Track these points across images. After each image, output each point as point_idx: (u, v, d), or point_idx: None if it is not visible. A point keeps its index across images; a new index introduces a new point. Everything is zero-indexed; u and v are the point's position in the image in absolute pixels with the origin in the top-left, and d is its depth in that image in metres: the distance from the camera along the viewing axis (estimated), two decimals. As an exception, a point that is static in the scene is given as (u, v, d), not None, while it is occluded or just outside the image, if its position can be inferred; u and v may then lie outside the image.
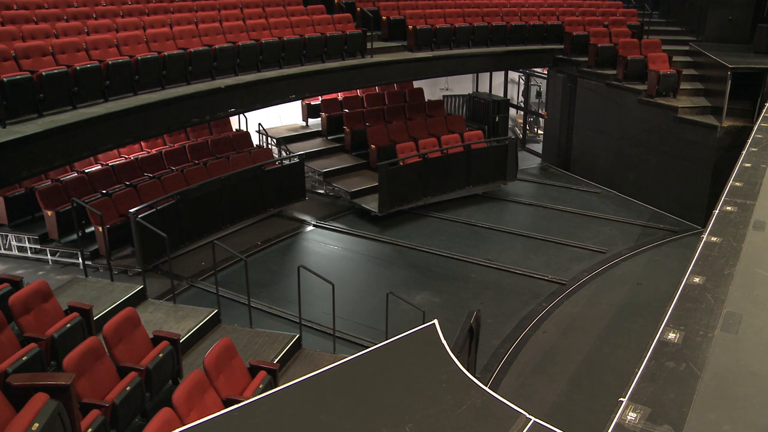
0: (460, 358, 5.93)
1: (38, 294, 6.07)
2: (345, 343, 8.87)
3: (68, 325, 5.77)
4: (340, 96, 16.50)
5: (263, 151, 13.87)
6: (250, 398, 5.58)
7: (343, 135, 15.66)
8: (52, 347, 5.60)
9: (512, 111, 20.17)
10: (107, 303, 7.32)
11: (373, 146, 14.45)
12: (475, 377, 6.63)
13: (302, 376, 3.34)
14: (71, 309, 6.13)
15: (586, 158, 15.85)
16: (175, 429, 4.88)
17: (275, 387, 5.89)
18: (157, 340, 6.11)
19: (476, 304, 9.84)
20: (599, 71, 14.99)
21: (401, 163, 13.21)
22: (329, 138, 16.07)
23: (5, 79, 7.57)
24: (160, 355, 5.80)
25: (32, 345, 5.25)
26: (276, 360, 6.96)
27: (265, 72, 11.51)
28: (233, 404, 5.38)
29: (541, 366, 8.39)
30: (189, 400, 5.00)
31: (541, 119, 19.24)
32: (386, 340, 3.95)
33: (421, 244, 11.95)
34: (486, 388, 3.25)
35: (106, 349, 5.61)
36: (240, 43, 11.13)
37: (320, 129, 16.30)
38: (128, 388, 5.18)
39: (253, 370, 6.04)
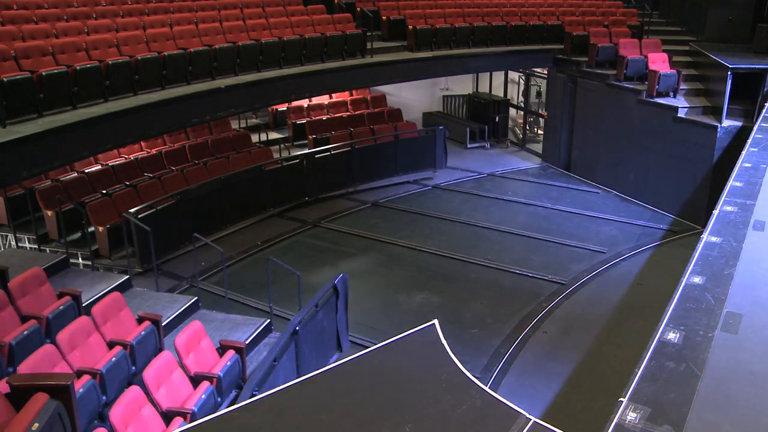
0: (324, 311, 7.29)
1: (36, 279, 7.13)
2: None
3: (61, 307, 6.77)
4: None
5: (263, 151, 13.89)
6: (217, 373, 6.17)
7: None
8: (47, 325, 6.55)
9: (512, 111, 20.17)
10: (97, 290, 8.17)
11: (310, 137, 15.24)
12: (347, 335, 7.62)
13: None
14: (62, 294, 7.15)
15: (586, 158, 15.85)
16: (142, 404, 5.45)
17: (243, 364, 6.55)
18: (141, 320, 6.91)
19: (476, 304, 9.84)
20: (599, 71, 14.98)
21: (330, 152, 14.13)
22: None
23: (5, 79, 7.56)
24: (143, 332, 6.60)
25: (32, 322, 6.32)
26: (247, 341, 7.50)
27: (265, 72, 11.50)
28: (202, 380, 6.00)
29: (541, 366, 8.39)
30: (158, 377, 5.85)
31: (541, 119, 19.24)
32: (386, 340, 3.96)
33: (421, 244, 11.95)
34: (486, 388, 3.25)
35: (95, 327, 6.52)
36: (240, 43, 11.13)
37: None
38: (114, 359, 6.04)
39: (222, 350, 6.69)
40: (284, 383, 6.85)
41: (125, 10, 11.48)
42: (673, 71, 13.64)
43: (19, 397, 4.40)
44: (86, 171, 11.56)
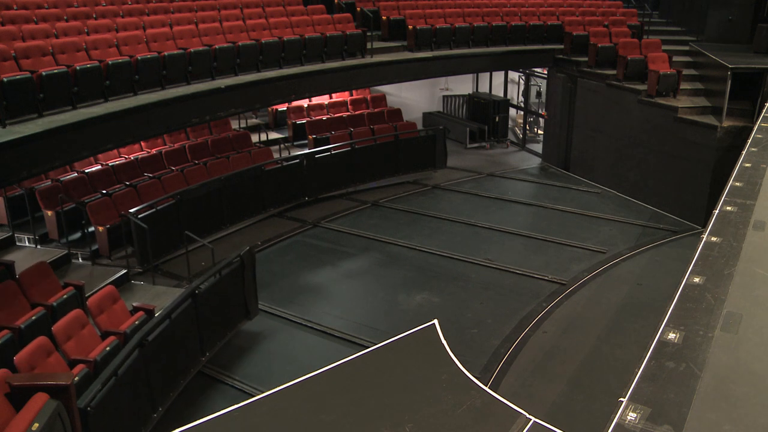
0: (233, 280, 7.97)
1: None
2: (345, 343, 8.87)
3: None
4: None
5: (263, 151, 13.88)
6: (124, 330, 6.79)
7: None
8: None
9: (512, 111, 20.17)
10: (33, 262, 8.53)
11: (311, 137, 15.31)
12: (257, 304, 8.23)
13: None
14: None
15: (586, 158, 15.85)
16: (48, 352, 5.96)
17: (150, 323, 7.02)
18: (66, 286, 7.76)
19: (476, 304, 9.84)
20: (599, 71, 14.99)
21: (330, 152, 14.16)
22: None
23: (5, 79, 7.56)
24: (65, 296, 7.38)
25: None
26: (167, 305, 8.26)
27: (265, 72, 11.50)
28: (110, 335, 6.67)
29: (541, 366, 8.38)
30: (68, 330, 6.54)
31: (541, 119, 19.24)
32: (386, 340, 3.96)
33: (421, 244, 11.95)
34: (486, 388, 3.25)
35: (21, 291, 7.30)
36: (240, 43, 11.13)
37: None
38: (33, 318, 6.79)
39: (135, 311, 7.56)
40: (181, 338, 7.30)
41: (125, 10, 11.48)
42: (673, 71, 13.64)
43: (19, 397, 4.41)
44: (86, 171, 11.56)
